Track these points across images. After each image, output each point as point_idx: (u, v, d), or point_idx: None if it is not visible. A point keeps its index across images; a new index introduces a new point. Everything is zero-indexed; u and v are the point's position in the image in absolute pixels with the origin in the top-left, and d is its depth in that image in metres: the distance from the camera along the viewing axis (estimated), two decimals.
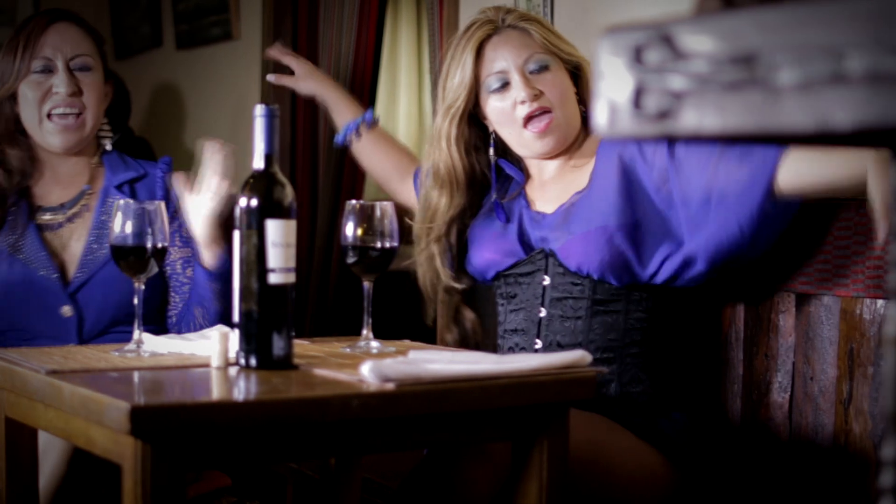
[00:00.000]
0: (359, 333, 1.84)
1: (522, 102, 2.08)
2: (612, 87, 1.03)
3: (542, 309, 2.10)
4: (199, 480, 2.20)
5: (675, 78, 0.97)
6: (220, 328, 1.95)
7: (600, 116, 1.05)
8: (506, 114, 2.11)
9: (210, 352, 1.75)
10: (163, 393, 1.51)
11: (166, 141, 4.17)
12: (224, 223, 2.08)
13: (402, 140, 5.55)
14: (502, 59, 2.10)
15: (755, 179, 1.88)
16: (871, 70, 0.76)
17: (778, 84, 0.83)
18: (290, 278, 1.64)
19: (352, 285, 3.69)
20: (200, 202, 2.08)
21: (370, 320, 1.83)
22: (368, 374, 1.50)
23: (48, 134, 2.22)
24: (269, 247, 1.63)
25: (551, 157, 2.17)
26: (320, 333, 3.00)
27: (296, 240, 1.66)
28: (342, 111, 2.52)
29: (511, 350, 2.13)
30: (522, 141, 2.12)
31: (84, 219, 2.26)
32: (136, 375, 1.59)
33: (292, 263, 1.65)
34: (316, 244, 3.74)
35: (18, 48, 2.23)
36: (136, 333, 1.77)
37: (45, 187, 2.29)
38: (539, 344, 2.09)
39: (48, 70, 2.23)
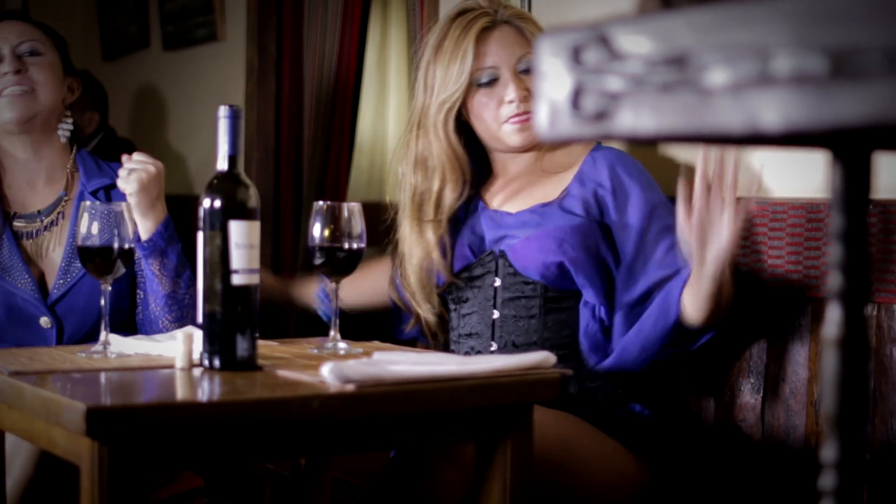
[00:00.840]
0: (325, 334, 1.84)
1: (510, 102, 2.08)
2: (553, 88, 1.03)
3: (495, 311, 2.09)
4: (172, 482, 2.20)
5: (611, 79, 0.97)
6: (186, 329, 1.96)
7: (541, 117, 1.05)
8: (489, 109, 2.10)
9: (176, 353, 1.75)
10: (123, 394, 1.51)
11: (153, 142, 4.18)
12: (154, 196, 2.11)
13: (392, 140, 5.55)
14: (495, 54, 2.09)
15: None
16: (798, 71, 0.76)
17: (708, 85, 0.83)
18: (255, 279, 1.64)
19: None
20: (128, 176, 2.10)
21: (338, 321, 1.83)
22: (329, 375, 1.50)
23: (3, 110, 2.22)
24: (233, 248, 1.62)
25: (523, 152, 2.16)
26: (305, 334, 3.00)
27: (259, 241, 1.66)
28: (302, 291, 2.46)
29: (467, 354, 2.12)
30: (500, 134, 2.11)
31: (60, 227, 2.25)
32: (100, 377, 1.59)
33: (256, 265, 1.65)
34: (300, 245, 3.74)
35: None
36: (103, 334, 1.76)
37: (20, 193, 2.28)
38: (494, 346, 2.09)
39: None
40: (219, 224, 1.63)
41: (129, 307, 2.24)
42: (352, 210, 1.81)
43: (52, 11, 4.89)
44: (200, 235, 1.64)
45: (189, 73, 4.07)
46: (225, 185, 1.65)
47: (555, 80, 1.02)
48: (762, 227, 2.09)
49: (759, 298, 2.10)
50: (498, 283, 2.09)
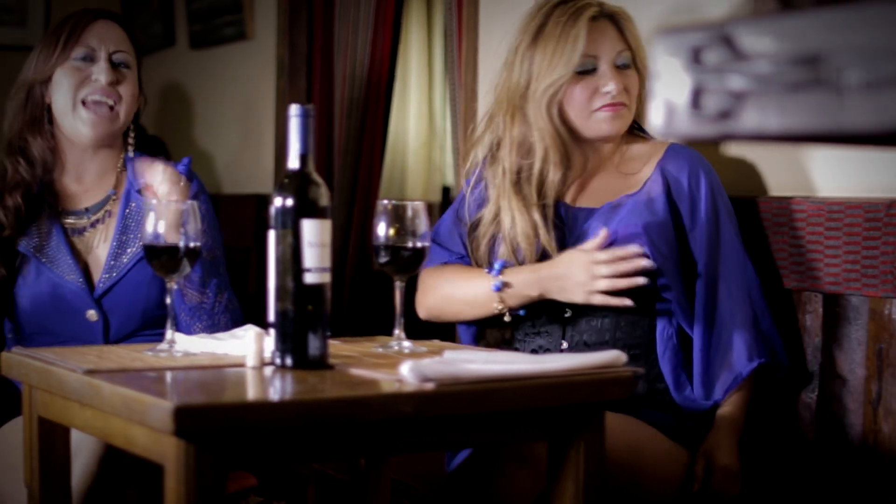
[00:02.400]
0: (372, 333, 1.84)
1: (607, 93, 2.09)
2: (669, 88, 1.03)
3: (567, 309, 2.09)
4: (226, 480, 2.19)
5: (735, 78, 0.97)
6: (252, 328, 1.96)
7: (656, 117, 1.05)
8: (582, 97, 2.10)
9: (243, 351, 1.75)
10: (203, 393, 1.51)
11: (177, 140, 4.17)
12: None
13: (413, 139, 5.55)
14: (596, 44, 2.10)
15: None
16: None
17: (842, 84, 0.83)
18: (326, 278, 1.64)
19: (366, 285, 3.69)
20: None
21: (402, 320, 1.83)
22: (408, 373, 1.50)
23: (80, 122, 2.21)
24: (305, 246, 1.62)
25: (606, 142, 2.17)
26: (337, 334, 3.00)
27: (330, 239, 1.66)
28: None
29: (535, 352, 2.12)
30: (591, 121, 2.11)
31: (107, 224, 2.25)
32: (173, 375, 1.59)
33: (328, 263, 1.65)
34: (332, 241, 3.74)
35: (60, 37, 2.23)
36: (169, 333, 1.76)
37: (70, 189, 2.28)
38: (565, 344, 2.09)
39: (89, 59, 2.22)
40: (291, 222, 1.63)
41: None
42: (416, 209, 1.81)
43: (74, 7, 4.89)
44: (272, 234, 1.64)
45: (216, 71, 4.07)
46: (297, 183, 1.65)
47: (672, 80, 1.02)
48: (818, 227, 2.09)
49: (816, 297, 2.10)
50: None
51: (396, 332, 1.83)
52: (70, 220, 2.25)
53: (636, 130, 2.21)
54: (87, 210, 2.26)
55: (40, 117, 2.25)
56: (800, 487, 2.11)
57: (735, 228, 2.10)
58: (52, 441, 1.76)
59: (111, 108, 2.22)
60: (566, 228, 2.14)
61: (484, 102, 2.87)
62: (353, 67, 3.66)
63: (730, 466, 2.01)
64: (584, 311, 2.07)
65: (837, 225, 2.07)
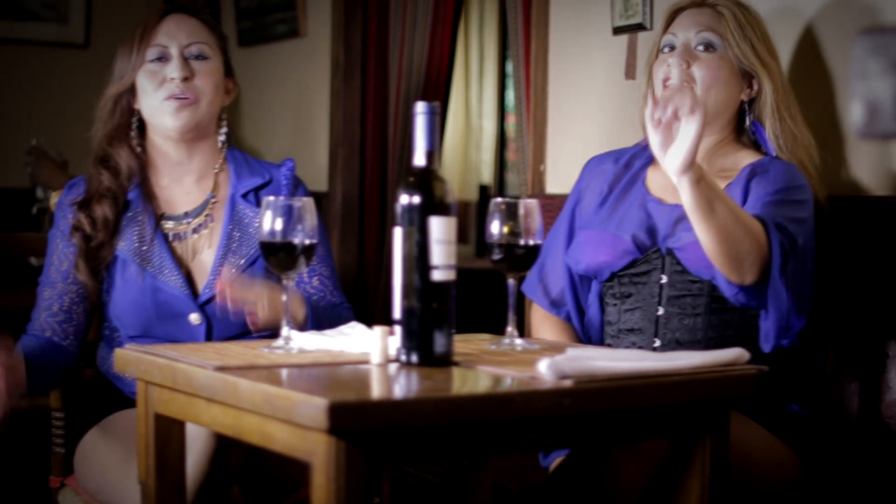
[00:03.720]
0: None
1: (668, 65, 2.12)
2: (872, 88, 1.03)
3: (660, 307, 2.10)
4: None
5: None
6: (358, 325, 1.96)
7: (857, 115, 1.05)
8: (658, 75, 2.15)
9: (361, 348, 1.75)
10: (349, 390, 1.50)
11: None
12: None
13: (449, 137, 5.55)
14: (680, 24, 2.15)
15: None
16: None
17: None
18: (452, 275, 1.64)
19: None
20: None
21: (515, 317, 1.83)
22: (546, 370, 1.50)
23: (165, 115, 2.19)
24: (433, 244, 1.62)
25: None
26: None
27: (456, 237, 1.66)
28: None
29: (628, 349, 2.12)
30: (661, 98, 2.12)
31: (210, 229, 2.24)
32: (303, 372, 1.59)
33: (454, 260, 1.65)
34: (384, 242, 3.75)
35: (135, 41, 2.22)
36: (285, 329, 1.76)
37: (169, 193, 2.27)
38: (658, 342, 2.09)
39: (163, 58, 2.22)
40: (417, 220, 1.63)
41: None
42: (529, 207, 1.81)
43: (114, 3, 4.89)
44: (398, 231, 1.64)
45: (267, 69, 4.06)
46: (423, 180, 1.64)
47: (875, 80, 1.02)
48: None
49: None
50: (664, 280, 2.08)
51: (509, 329, 1.83)
52: (170, 225, 2.23)
53: (753, 137, 2.17)
54: (186, 214, 2.25)
55: (126, 126, 2.25)
56: (894, 485, 2.11)
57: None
58: (168, 438, 1.76)
59: (191, 102, 2.21)
60: (660, 227, 2.13)
61: (555, 101, 2.87)
62: (409, 65, 3.66)
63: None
64: (677, 310, 2.07)
65: None
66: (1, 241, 3.20)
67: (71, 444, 2.27)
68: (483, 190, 5.77)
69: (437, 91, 3.66)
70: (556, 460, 2.13)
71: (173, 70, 2.19)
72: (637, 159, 2.25)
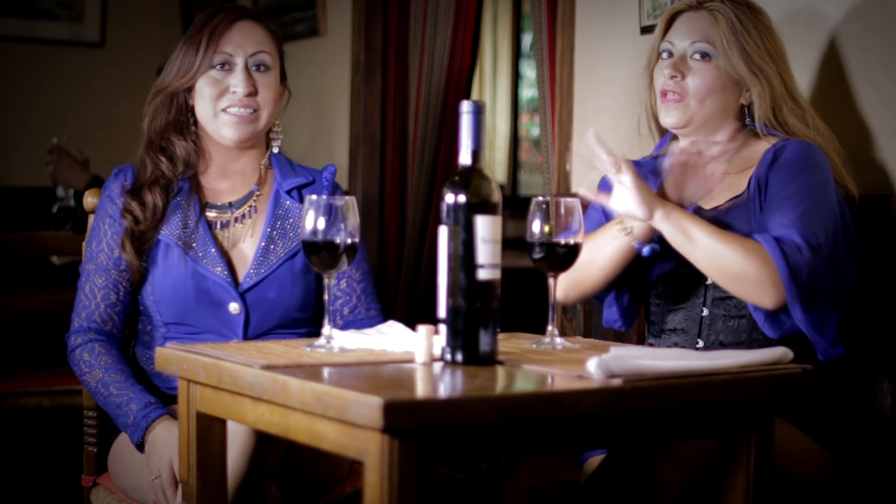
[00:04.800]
0: None
1: (664, 76, 2.14)
2: None
3: (705, 308, 2.10)
4: (351, 476, 2.20)
5: None
6: (396, 324, 1.96)
7: None
8: (656, 81, 2.17)
9: (402, 347, 1.75)
10: (400, 389, 1.50)
11: None
12: None
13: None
14: (677, 32, 2.16)
15: None
16: None
17: None
18: (497, 274, 1.64)
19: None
20: None
21: (556, 316, 1.83)
22: (595, 369, 1.50)
23: (223, 126, 2.20)
24: (479, 242, 1.62)
25: (687, 136, 2.16)
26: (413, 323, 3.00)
27: (500, 236, 1.66)
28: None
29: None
30: (658, 109, 2.17)
31: (254, 220, 2.24)
32: (354, 371, 1.59)
33: (499, 259, 1.65)
34: (405, 240, 3.75)
35: (200, 43, 2.20)
36: (327, 328, 1.76)
37: (214, 183, 2.28)
38: (701, 343, 2.09)
39: (227, 66, 2.21)
40: (463, 219, 1.63)
41: (315, 304, 2.25)
42: (570, 206, 1.81)
43: (129, 2, 4.89)
44: (443, 229, 1.64)
45: (286, 68, 4.06)
46: (469, 179, 1.65)
47: None
48: None
49: None
50: (710, 281, 2.08)
51: (549, 327, 1.83)
52: (213, 214, 2.24)
53: (761, 127, 2.18)
54: (230, 205, 2.25)
55: (186, 120, 2.25)
56: None
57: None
58: (209, 437, 1.76)
59: (252, 112, 2.21)
60: None
61: (581, 100, 2.87)
62: (429, 64, 3.66)
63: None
64: (721, 311, 2.07)
65: None
66: (22, 241, 3.21)
67: (103, 443, 2.27)
68: None
69: (459, 91, 3.67)
70: (590, 459, 2.13)
71: (238, 83, 2.19)
72: (655, 169, 2.26)
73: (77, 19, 4.84)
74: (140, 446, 2.06)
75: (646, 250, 2.06)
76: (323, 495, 2.15)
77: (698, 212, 2.13)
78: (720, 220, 2.08)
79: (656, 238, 2.05)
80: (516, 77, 5.76)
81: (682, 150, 2.01)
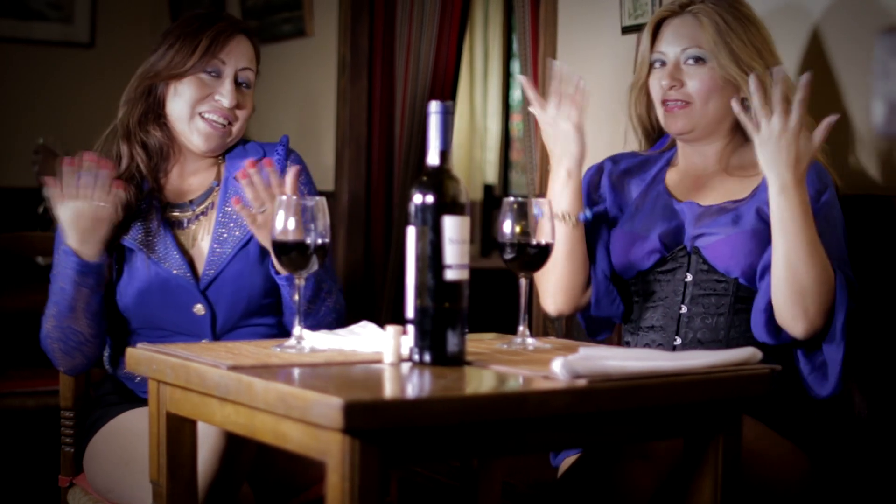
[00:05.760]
0: None
1: (662, 87, 2.14)
2: (891, 86, 1.02)
3: (683, 306, 2.10)
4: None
5: None
6: (369, 324, 1.96)
7: (877, 115, 1.05)
8: (654, 92, 2.18)
9: (373, 348, 1.75)
10: (364, 389, 1.50)
11: None
12: None
13: (454, 137, 5.55)
14: (666, 41, 2.15)
15: None
16: None
17: None
18: (465, 275, 1.64)
19: None
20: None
21: (527, 317, 1.83)
22: (560, 370, 1.50)
23: (195, 131, 2.21)
24: (446, 243, 1.62)
25: (690, 141, 2.16)
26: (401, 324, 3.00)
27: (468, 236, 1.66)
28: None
29: (646, 347, 2.12)
30: (662, 117, 2.18)
31: (209, 215, 2.25)
32: (317, 371, 1.59)
33: (467, 260, 1.65)
34: (391, 242, 3.74)
35: (200, 45, 2.20)
36: (297, 329, 1.76)
37: (175, 183, 2.28)
38: (678, 341, 2.09)
39: (216, 74, 2.22)
40: (431, 219, 1.63)
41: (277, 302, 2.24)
42: (542, 206, 1.81)
43: (119, 3, 4.89)
44: (411, 230, 1.64)
45: (273, 68, 4.06)
46: (437, 180, 1.64)
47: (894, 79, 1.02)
48: None
49: None
50: (689, 278, 2.09)
51: (521, 328, 1.83)
52: (175, 214, 2.24)
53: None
54: (191, 202, 2.26)
55: (160, 112, 2.25)
56: None
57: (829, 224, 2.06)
58: (180, 437, 1.76)
59: (226, 125, 2.22)
60: (688, 226, 2.12)
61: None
62: (415, 65, 3.66)
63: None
64: (700, 309, 2.07)
65: None
66: (8, 241, 3.21)
67: (80, 443, 2.27)
68: (488, 190, 5.77)
69: (444, 91, 3.66)
70: (565, 459, 2.13)
71: (226, 94, 2.20)
72: (655, 162, 2.26)
73: (67, 20, 4.83)
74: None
75: (581, 217, 2.14)
76: (297, 496, 2.15)
77: (690, 205, 2.13)
78: (720, 219, 2.07)
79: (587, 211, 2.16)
80: (507, 77, 5.76)
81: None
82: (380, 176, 3.74)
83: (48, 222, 3.83)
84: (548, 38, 2.91)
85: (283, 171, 2.17)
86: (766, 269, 2.00)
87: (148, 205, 2.22)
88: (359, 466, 1.37)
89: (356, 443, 1.37)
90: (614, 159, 2.30)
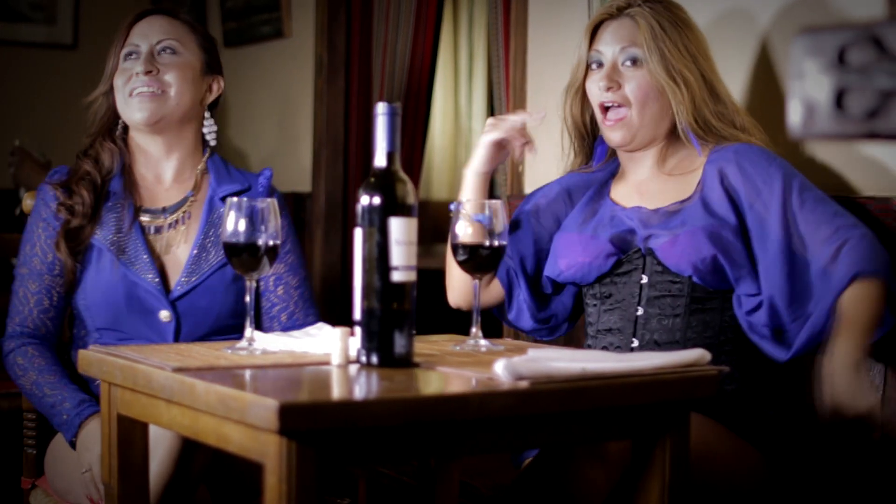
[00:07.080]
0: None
1: (599, 89, 2.13)
2: (810, 88, 1.02)
3: (640, 308, 2.09)
4: None
5: (883, 78, 0.97)
6: (325, 326, 1.96)
7: (795, 116, 1.04)
8: (592, 95, 2.17)
9: (324, 349, 1.75)
10: (303, 391, 1.50)
11: None
12: None
13: (438, 137, 5.55)
14: (604, 41, 2.15)
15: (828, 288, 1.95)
16: None
17: None
18: (412, 276, 1.64)
19: None
20: None
21: (479, 318, 1.83)
22: (502, 371, 1.50)
23: (131, 110, 2.22)
24: (393, 244, 1.62)
25: (630, 151, 2.16)
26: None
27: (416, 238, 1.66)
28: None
29: (604, 349, 2.12)
30: (602, 128, 2.17)
31: (187, 226, 2.24)
32: (263, 373, 1.58)
33: (414, 261, 1.65)
34: None
35: (114, 43, 2.25)
36: (248, 331, 1.76)
37: (148, 187, 2.28)
38: (636, 343, 2.09)
39: (134, 55, 2.24)
40: (378, 221, 1.62)
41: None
42: (494, 207, 1.81)
43: (102, 4, 4.89)
44: (358, 231, 1.64)
45: (252, 69, 4.06)
46: (384, 181, 1.64)
47: (813, 81, 1.02)
48: None
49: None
50: (644, 280, 2.08)
51: (473, 330, 1.83)
52: (146, 219, 2.24)
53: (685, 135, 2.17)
54: (164, 210, 2.26)
55: (110, 123, 2.27)
56: (861, 485, 2.11)
57: (812, 191, 2.04)
58: (131, 439, 1.76)
59: (156, 94, 2.22)
60: (639, 229, 2.12)
61: (533, 102, 2.87)
62: (391, 66, 3.66)
63: (849, 402, 1.81)
64: (656, 310, 2.07)
65: None
66: None
67: (43, 445, 2.27)
68: None
69: (420, 91, 3.66)
70: (527, 461, 2.13)
71: (138, 65, 2.21)
72: (599, 176, 2.26)
73: (50, 21, 4.84)
74: (73, 444, 2.06)
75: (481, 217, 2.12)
76: (256, 498, 2.15)
77: (638, 210, 2.13)
78: (669, 221, 2.07)
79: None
80: (491, 78, 5.75)
81: None
82: (357, 176, 3.74)
83: (24, 224, 3.82)
84: (518, 38, 2.91)
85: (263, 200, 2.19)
86: (748, 298, 2.02)
87: (122, 205, 2.22)
88: (296, 468, 1.37)
89: (293, 444, 1.36)
90: (560, 181, 2.31)
